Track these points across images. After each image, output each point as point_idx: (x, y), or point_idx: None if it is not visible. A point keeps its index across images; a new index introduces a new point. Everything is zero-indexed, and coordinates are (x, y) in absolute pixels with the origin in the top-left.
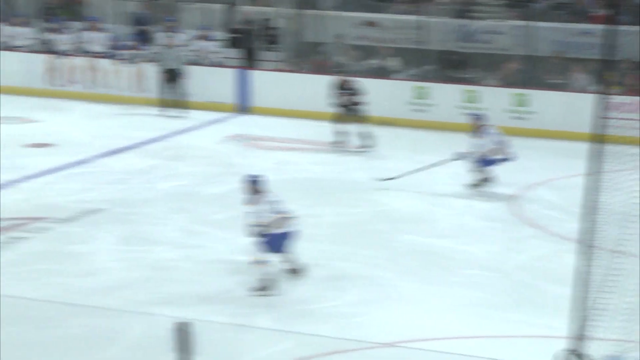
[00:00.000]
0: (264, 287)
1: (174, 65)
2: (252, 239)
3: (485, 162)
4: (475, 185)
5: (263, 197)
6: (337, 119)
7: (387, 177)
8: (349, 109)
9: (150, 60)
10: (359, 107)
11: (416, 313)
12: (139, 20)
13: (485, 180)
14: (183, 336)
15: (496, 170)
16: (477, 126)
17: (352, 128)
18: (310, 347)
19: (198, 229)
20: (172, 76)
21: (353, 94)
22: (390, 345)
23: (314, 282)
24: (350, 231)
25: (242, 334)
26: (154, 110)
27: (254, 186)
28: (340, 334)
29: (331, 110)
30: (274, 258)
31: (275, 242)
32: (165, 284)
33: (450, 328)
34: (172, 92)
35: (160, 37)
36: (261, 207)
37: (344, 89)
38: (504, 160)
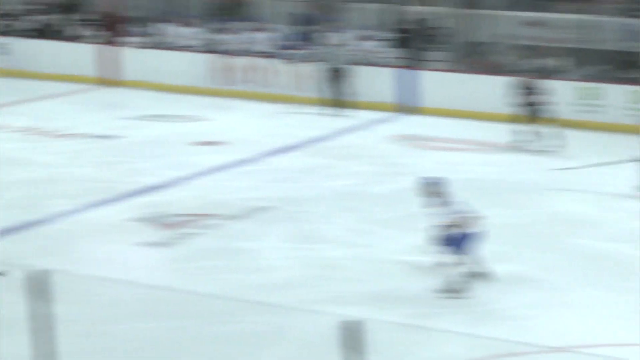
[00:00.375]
0: (451, 290)
1: (338, 64)
2: (435, 241)
3: None
4: None
5: (444, 199)
6: (520, 119)
7: (565, 167)
8: (532, 110)
9: (313, 60)
10: (543, 107)
11: (588, 318)
12: (302, 21)
13: None
14: (351, 335)
15: None
16: None
17: (534, 128)
18: (480, 349)
19: (365, 228)
20: (336, 75)
21: (537, 94)
22: (562, 350)
23: (483, 283)
24: (518, 233)
25: (410, 334)
26: (317, 110)
27: (435, 188)
28: (511, 336)
29: (506, 110)
30: (459, 260)
31: (459, 242)
32: (332, 282)
33: (622, 335)
34: (336, 91)
35: (324, 37)
36: (443, 209)
37: (527, 89)
38: None
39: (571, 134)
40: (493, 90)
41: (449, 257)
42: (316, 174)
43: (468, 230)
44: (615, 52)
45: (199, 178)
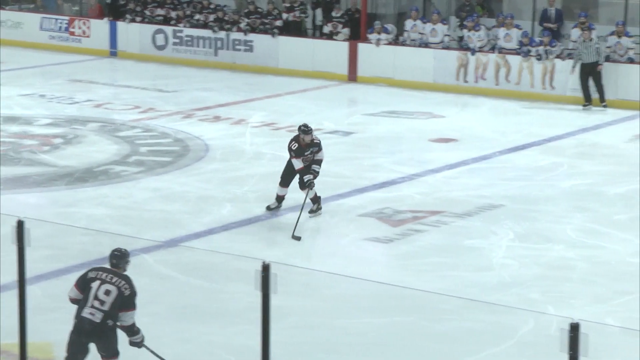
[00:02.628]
0: None
1: (592, 60)
2: None
3: None
4: None
5: None
6: None
7: None
8: None
9: (560, 57)
10: None
11: None
12: (550, 17)
13: None
14: (575, 337)
15: None
16: None
17: None
18: None
19: (598, 229)
20: (590, 71)
21: None
22: None
23: None
24: None
25: (633, 338)
26: (564, 107)
27: None
28: None
29: None
30: None
31: None
32: (561, 283)
33: None
34: (590, 88)
35: (574, 33)
36: None
37: None
38: None
39: None
40: None
41: None
42: (553, 173)
43: None
44: None
45: (432, 175)
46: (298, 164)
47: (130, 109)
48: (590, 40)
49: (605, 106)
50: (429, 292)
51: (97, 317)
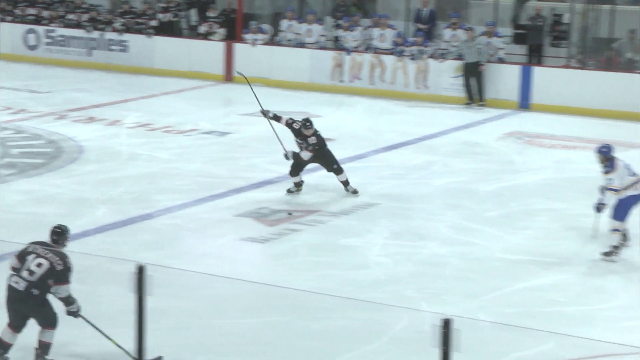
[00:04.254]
0: (614, 252)
1: (475, 59)
2: (608, 206)
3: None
4: None
5: (618, 163)
6: None
7: None
8: None
9: (434, 57)
10: None
11: None
12: (423, 17)
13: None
14: (446, 332)
15: None
16: None
17: None
18: (573, 349)
19: (470, 226)
20: (472, 70)
21: None
22: None
23: (575, 282)
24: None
25: (503, 333)
26: (438, 106)
27: (608, 154)
28: (606, 337)
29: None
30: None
31: (627, 205)
32: (433, 280)
33: None
34: (470, 87)
35: (446, 33)
36: (618, 173)
37: None
38: None
39: None
40: (609, 87)
41: (617, 223)
42: (425, 171)
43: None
44: None
45: (308, 174)
46: (306, 155)
47: (1, 110)
48: (473, 40)
49: (483, 105)
50: (305, 291)
51: (21, 286)
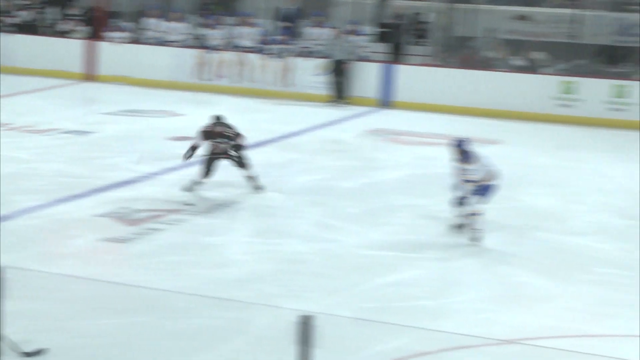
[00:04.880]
0: (475, 238)
1: (342, 57)
2: (465, 195)
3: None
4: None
5: (473, 155)
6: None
7: None
8: None
9: (298, 55)
10: None
11: (545, 311)
12: (288, 16)
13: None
14: (305, 329)
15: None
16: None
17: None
18: (430, 342)
19: (332, 223)
20: (339, 68)
21: None
22: (511, 342)
23: (433, 276)
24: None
25: (363, 328)
26: (301, 104)
27: (462, 147)
28: (464, 330)
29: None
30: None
31: (483, 192)
32: (295, 277)
33: (577, 326)
34: (335, 86)
35: (311, 31)
36: (475, 165)
37: None
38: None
39: (547, 128)
40: (468, 84)
41: (474, 209)
42: (288, 169)
43: (490, 182)
44: (599, 46)
45: (169, 173)
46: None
47: None
48: (340, 38)
49: (348, 103)
50: (165, 291)
51: None
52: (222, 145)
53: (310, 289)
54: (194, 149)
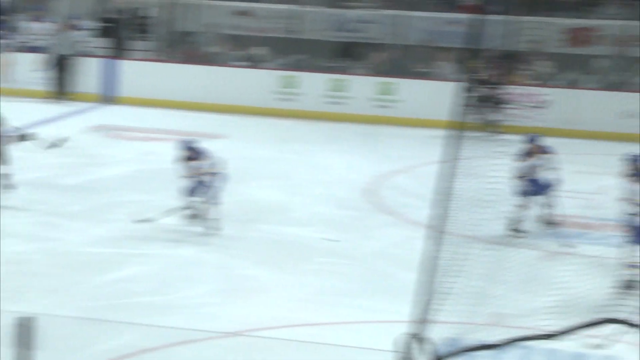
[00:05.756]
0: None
1: (66, 52)
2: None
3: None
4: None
5: (201, 152)
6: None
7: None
8: None
9: (15, 50)
10: None
11: (269, 302)
12: (3, 9)
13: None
14: (24, 331)
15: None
16: None
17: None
18: (155, 338)
19: (54, 221)
20: (61, 63)
21: None
22: (235, 334)
23: (158, 271)
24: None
25: (86, 327)
26: (23, 100)
27: (190, 150)
28: (189, 324)
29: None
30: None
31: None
32: (15, 278)
33: (300, 316)
34: (60, 80)
35: (28, 26)
36: (202, 162)
37: None
38: None
39: (270, 122)
40: (191, 79)
41: (204, 204)
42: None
43: (217, 177)
44: (316, 41)
45: None
46: None
47: None
48: (65, 32)
49: (71, 99)
50: None
51: None
52: None
53: (31, 290)
54: None
